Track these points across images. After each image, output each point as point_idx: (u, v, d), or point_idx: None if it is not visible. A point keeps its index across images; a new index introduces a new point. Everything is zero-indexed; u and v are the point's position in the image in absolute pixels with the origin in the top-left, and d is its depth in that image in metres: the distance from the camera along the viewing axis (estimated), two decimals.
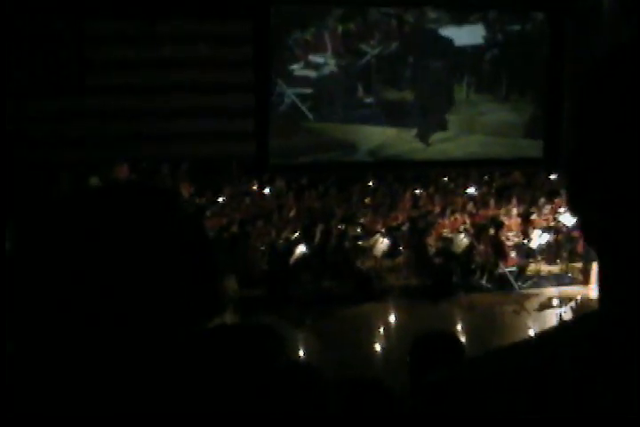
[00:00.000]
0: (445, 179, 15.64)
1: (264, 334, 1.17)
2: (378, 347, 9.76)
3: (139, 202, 1.07)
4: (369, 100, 17.28)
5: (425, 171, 15.88)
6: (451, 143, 17.61)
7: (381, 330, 10.47)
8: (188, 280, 1.03)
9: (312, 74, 16.82)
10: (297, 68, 16.66)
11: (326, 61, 16.92)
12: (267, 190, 14.18)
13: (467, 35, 17.67)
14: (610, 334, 0.77)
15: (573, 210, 0.82)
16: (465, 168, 16.03)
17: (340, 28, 16.94)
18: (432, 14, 17.58)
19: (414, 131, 17.48)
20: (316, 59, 16.87)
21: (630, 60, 0.77)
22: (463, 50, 17.64)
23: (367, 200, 14.00)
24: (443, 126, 17.66)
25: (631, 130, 0.75)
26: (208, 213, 12.28)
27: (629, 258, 0.76)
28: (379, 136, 17.32)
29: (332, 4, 16.95)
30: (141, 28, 15.02)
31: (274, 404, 1.08)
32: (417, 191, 14.59)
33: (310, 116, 16.68)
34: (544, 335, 0.84)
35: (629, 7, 16.30)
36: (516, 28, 18.10)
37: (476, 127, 17.71)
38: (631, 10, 16.31)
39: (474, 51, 17.70)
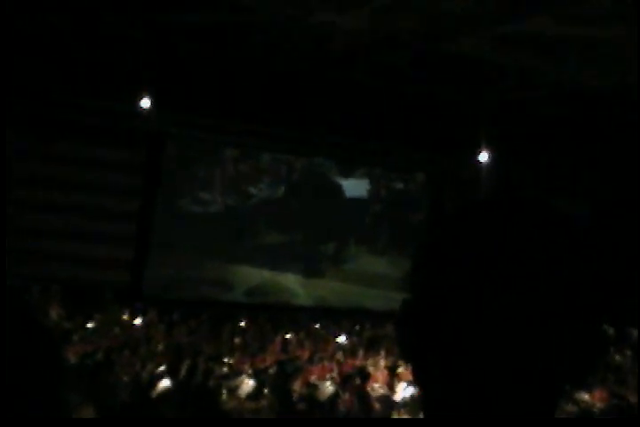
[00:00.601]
0: (317, 325, 15.72)
1: None
2: None
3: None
4: (249, 241, 17.49)
5: (297, 315, 15.96)
6: (326, 291, 17.83)
7: None
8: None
9: (198, 210, 16.99)
10: (184, 203, 16.81)
11: (214, 199, 17.16)
12: (137, 321, 13.94)
13: (352, 187, 18.32)
14: None
15: (403, 357, 0.92)
16: (337, 316, 16.18)
17: (231, 169, 17.32)
18: (321, 165, 18.21)
19: (290, 275, 17.67)
20: (205, 196, 17.10)
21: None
22: (347, 201, 18.23)
23: (237, 340, 13.88)
24: (320, 274, 17.93)
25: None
26: (75, 339, 11.95)
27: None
28: (255, 278, 17.42)
29: (228, 144, 17.37)
30: (27, 147, 15.03)
31: None
32: (288, 336, 14.58)
33: (190, 250, 16.70)
34: None
35: (505, 182, 17.35)
36: (399, 186, 18.90)
37: (352, 277, 18.05)
38: (507, 185, 17.35)
39: (357, 203, 18.31)
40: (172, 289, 16.31)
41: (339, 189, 18.34)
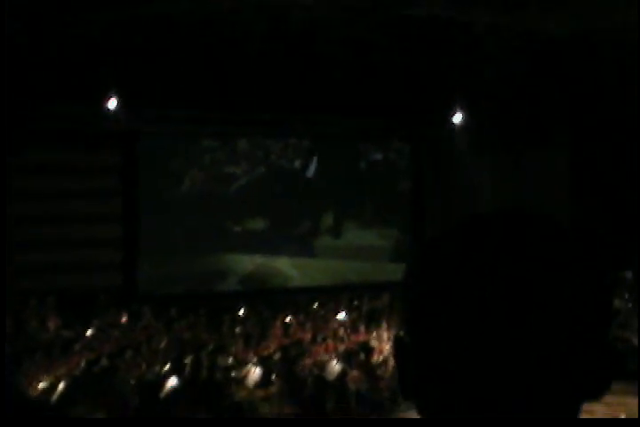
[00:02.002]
0: (315, 305, 15.74)
1: None
2: None
3: None
4: (236, 228, 17.48)
5: (295, 298, 15.99)
6: (318, 269, 17.87)
7: None
8: None
9: (181, 203, 16.94)
10: (166, 198, 16.76)
11: (195, 191, 17.12)
12: (136, 322, 13.93)
13: (331, 164, 18.31)
14: None
15: (405, 397, 0.90)
16: (334, 293, 16.22)
17: (208, 158, 17.27)
18: (298, 145, 18.19)
19: (283, 258, 17.69)
20: (185, 188, 17.07)
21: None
22: (328, 178, 18.22)
23: (238, 330, 13.90)
24: (311, 254, 17.96)
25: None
26: (77, 347, 11.96)
27: None
28: (248, 265, 17.43)
29: (201, 135, 17.30)
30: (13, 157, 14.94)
31: None
32: (287, 319, 14.60)
33: (179, 244, 16.67)
34: None
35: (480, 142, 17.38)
36: (378, 156, 18.90)
37: (343, 253, 18.09)
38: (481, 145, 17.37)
39: (339, 179, 18.30)
40: (167, 286, 16.30)
41: (318, 167, 18.30)
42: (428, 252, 0.87)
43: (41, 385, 10.35)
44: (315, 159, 18.32)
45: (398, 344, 0.89)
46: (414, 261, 0.88)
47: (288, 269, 17.74)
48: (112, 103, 15.01)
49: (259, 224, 17.68)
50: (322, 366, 12.31)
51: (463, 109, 17.19)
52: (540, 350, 0.80)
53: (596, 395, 0.85)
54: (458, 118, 17.35)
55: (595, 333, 0.83)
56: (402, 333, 0.89)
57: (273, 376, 12.22)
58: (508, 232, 0.83)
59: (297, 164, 18.20)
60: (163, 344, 12.77)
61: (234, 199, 17.48)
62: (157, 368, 11.64)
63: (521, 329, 0.79)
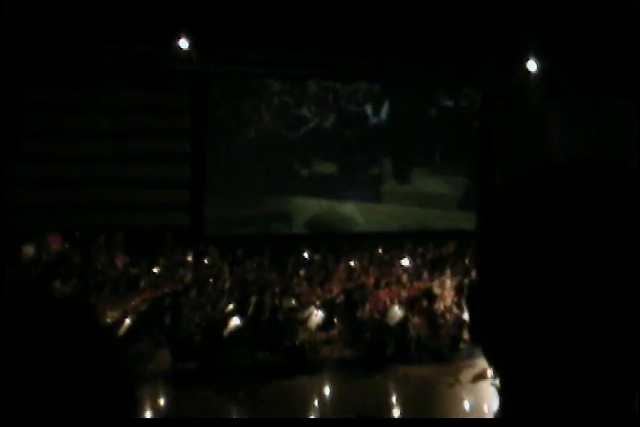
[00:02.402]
0: (379, 251, 15.75)
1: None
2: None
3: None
4: (304, 171, 17.48)
5: (359, 242, 16.00)
6: (384, 215, 17.84)
7: (315, 403, 10.39)
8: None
9: (249, 145, 16.98)
10: (235, 140, 16.80)
11: (264, 133, 17.14)
12: (201, 261, 14.11)
13: (401, 109, 18.12)
14: None
15: (475, 340, 0.87)
16: (399, 240, 16.19)
17: (277, 101, 17.23)
18: (368, 90, 18.01)
19: (349, 203, 17.68)
20: (254, 131, 17.09)
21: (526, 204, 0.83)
22: (398, 124, 18.06)
23: (302, 272, 14.00)
24: (378, 199, 17.91)
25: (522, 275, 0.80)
26: (142, 284, 12.19)
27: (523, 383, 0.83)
28: (313, 208, 17.47)
29: (271, 77, 17.23)
30: (78, 97, 15.09)
31: None
32: (351, 263, 14.64)
33: (245, 187, 16.74)
34: None
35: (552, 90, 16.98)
36: (448, 103, 18.63)
37: (410, 199, 18.00)
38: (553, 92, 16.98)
39: (408, 125, 18.11)
40: (233, 227, 16.44)
41: (388, 112, 18.14)
42: (502, 201, 0.86)
43: (108, 320, 10.58)
44: (384, 104, 18.15)
45: (472, 291, 0.88)
46: (489, 210, 0.87)
47: (354, 213, 17.74)
48: (184, 44, 15.00)
49: (326, 168, 17.66)
50: (384, 311, 12.37)
51: (537, 56, 16.78)
52: (619, 303, 0.77)
53: None
54: (532, 65, 16.95)
55: None
56: (475, 280, 0.88)
57: (335, 319, 12.35)
58: (581, 182, 0.82)
59: (366, 109, 18.06)
60: (227, 284, 12.92)
61: (302, 142, 17.46)
62: (221, 308, 11.81)
63: (597, 279, 0.77)
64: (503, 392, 0.87)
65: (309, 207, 17.45)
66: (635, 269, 0.78)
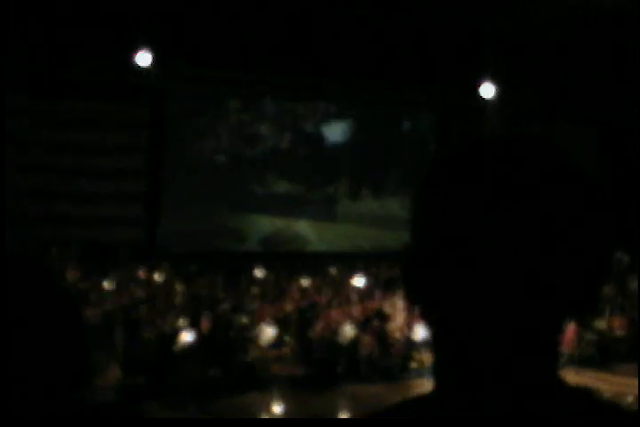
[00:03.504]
0: (333, 270, 15.78)
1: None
2: None
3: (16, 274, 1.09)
4: (259, 189, 17.50)
5: (313, 261, 16.02)
6: (338, 234, 17.90)
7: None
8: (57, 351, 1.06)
9: (205, 162, 16.98)
10: (191, 156, 16.80)
11: (220, 150, 17.14)
12: (154, 277, 14.03)
13: (358, 130, 18.26)
14: (439, 414, 0.89)
15: (410, 302, 0.93)
16: (352, 259, 16.24)
17: (235, 119, 17.26)
18: (325, 110, 18.13)
19: (303, 222, 17.72)
20: (211, 147, 17.09)
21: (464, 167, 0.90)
22: (355, 145, 18.18)
23: (255, 290, 13.97)
24: (332, 219, 17.98)
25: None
26: (93, 298, 12.09)
27: (458, 350, 0.88)
28: (268, 227, 17.48)
29: (230, 95, 17.26)
30: (34, 108, 15.00)
31: None
32: (304, 282, 14.65)
33: (201, 203, 16.69)
34: (379, 414, 0.97)
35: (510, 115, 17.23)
36: (406, 125, 18.80)
37: (364, 220, 18.09)
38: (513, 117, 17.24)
39: (365, 146, 18.23)
40: (186, 243, 16.38)
41: (344, 132, 18.25)
42: (436, 171, 0.94)
43: None
44: (342, 125, 18.26)
45: (405, 252, 0.93)
46: (424, 179, 0.94)
47: (308, 232, 17.78)
48: (144, 59, 14.99)
49: (281, 186, 17.69)
50: (335, 330, 12.39)
51: (495, 79, 16.98)
52: (530, 258, 0.83)
53: (581, 313, 0.89)
54: (489, 89, 17.15)
55: (591, 246, 0.87)
56: (408, 245, 0.93)
57: (287, 337, 12.36)
58: (507, 153, 0.89)
59: (324, 129, 18.14)
60: (179, 300, 12.86)
61: (258, 161, 17.48)
62: (173, 323, 11.74)
63: (511, 234, 0.83)
64: (437, 353, 0.93)
65: (263, 225, 17.47)
66: (549, 233, 0.84)
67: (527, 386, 0.87)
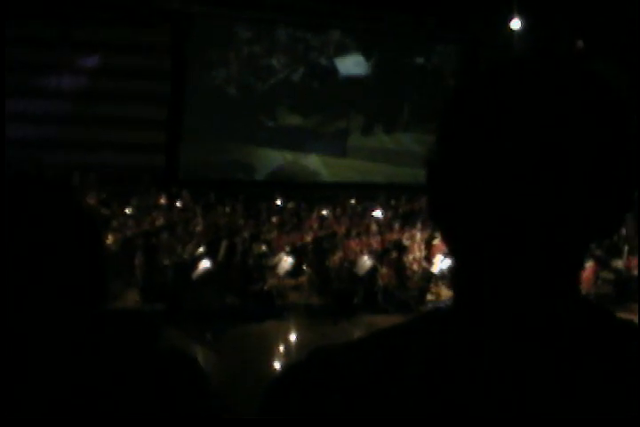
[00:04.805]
0: (352, 201, 15.80)
1: (140, 320, 1.19)
2: (276, 365, 9.79)
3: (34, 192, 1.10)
4: (270, 123, 17.35)
5: (333, 193, 16.02)
6: (349, 169, 17.81)
7: (281, 348, 10.52)
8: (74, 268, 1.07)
9: (220, 92, 16.82)
10: (208, 86, 16.65)
11: (234, 81, 16.96)
12: (174, 204, 14.09)
13: (374, 63, 17.93)
14: (459, 327, 0.87)
15: (434, 219, 0.90)
16: (372, 192, 16.22)
17: (245, 50, 16.98)
18: (340, 41, 17.77)
19: (313, 156, 17.61)
20: (224, 77, 16.91)
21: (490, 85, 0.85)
22: (369, 78, 17.89)
23: (274, 219, 14.02)
24: (343, 154, 17.84)
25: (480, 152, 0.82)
26: (114, 224, 12.16)
27: (482, 261, 0.85)
28: (277, 160, 17.41)
29: (245, 21, 16.95)
30: (57, 34, 14.86)
31: (156, 384, 1.11)
32: (324, 212, 14.68)
33: (214, 134, 16.60)
34: (399, 326, 0.95)
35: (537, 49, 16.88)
36: (423, 59, 18.42)
37: (376, 156, 17.96)
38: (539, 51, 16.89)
39: (380, 80, 17.92)
40: (207, 171, 16.36)
41: (359, 65, 17.91)
42: (466, 83, 0.88)
43: None
44: (356, 58, 17.91)
45: (430, 166, 0.90)
46: (454, 91, 0.89)
47: (317, 167, 17.70)
48: None
49: (292, 120, 17.49)
50: (353, 260, 12.45)
51: (522, 14, 16.62)
52: (560, 180, 0.81)
53: (607, 234, 0.86)
54: (516, 23, 16.80)
55: (615, 168, 0.83)
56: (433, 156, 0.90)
57: (304, 267, 12.43)
58: (540, 68, 0.85)
59: (337, 61, 17.83)
60: (199, 228, 12.92)
61: (270, 93, 17.27)
62: (192, 250, 11.83)
63: (542, 153, 0.80)
64: (457, 275, 0.90)
65: (273, 159, 17.38)
66: (580, 154, 0.80)
67: (553, 305, 0.85)
